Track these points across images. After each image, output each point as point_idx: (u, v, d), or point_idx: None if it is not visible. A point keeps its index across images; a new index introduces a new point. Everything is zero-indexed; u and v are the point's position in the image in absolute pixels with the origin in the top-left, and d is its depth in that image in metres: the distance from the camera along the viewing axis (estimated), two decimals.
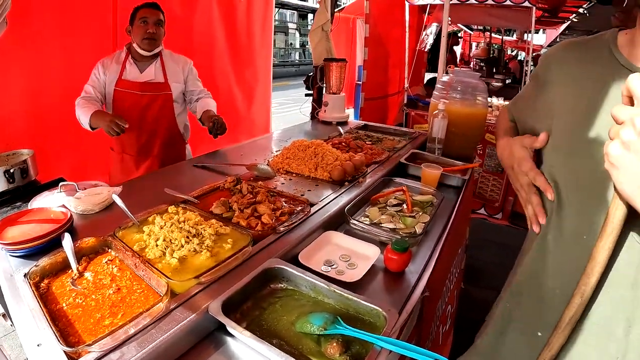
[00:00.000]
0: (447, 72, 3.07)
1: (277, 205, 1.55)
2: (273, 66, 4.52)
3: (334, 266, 1.29)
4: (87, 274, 1.17)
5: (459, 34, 11.92)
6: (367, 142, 2.56)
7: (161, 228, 1.32)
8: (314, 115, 3.44)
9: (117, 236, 1.29)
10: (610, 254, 0.72)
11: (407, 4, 5.77)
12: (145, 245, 1.27)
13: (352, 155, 2.02)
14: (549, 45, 14.64)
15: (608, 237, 0.70)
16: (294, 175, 1.96)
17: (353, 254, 1.36)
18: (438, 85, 2.64)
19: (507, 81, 8.14)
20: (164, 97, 2.58)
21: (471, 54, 12.88)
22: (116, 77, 2.48)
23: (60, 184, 1.67)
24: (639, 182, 0.61)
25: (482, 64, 10.00)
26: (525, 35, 10.12)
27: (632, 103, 0.63)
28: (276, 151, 2.34)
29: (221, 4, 3.59)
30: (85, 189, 1.66)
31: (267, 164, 2.00)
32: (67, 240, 1.23)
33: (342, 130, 2.78)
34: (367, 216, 1.63)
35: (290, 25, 30.15)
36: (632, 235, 0.75)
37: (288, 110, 11.75)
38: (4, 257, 1.24)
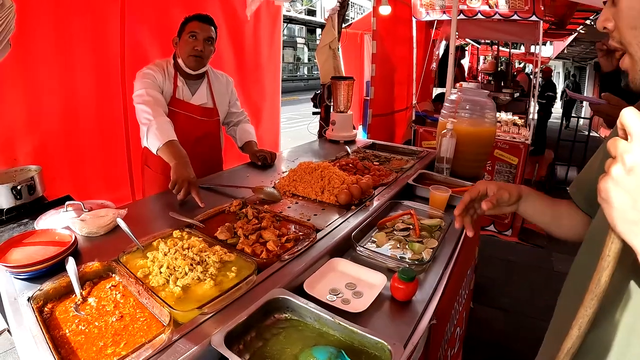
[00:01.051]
0: (454, 88, 3.05)
1: (283, 231, 1.53)
2: (282, 81, 4.52)
3: (339, 295, 1.27)
4: (91, 300, 1.16)
5: (466, 48, 11.94)
6: (374, 163, 2.54)
7: (165, 255, 1.31)
8: (321, 134, 3.44)
9: (121, 262, 1.29)
10: (606, 287, 0.69)
11: (414, 19, 5.78)
12: (149, 272, 1.25)
13: (359, 177, 2.00)
14: (556, 57, 14.63)
15: (603, 270, 0.69)
16: (300, 198, 1.94)
17: (359, 282, 1.34)
18: (446, 104, 2.63)
19: (516, 95, 8.11)
20: (214, 124, 2.54)
21: (479, 68, 12.87)
22: (170, 93, 2.32)
23: (67, 203, 1.66)
24: (627, 217, 0.60)
25: (490, 78, 9.98)
26: (533, 47, 10.12)
27: (627, 137, 0.61)
28: (283, 172, 2.33)
29: (228, 22, 3.59)
30: (91, 208, 1.66)
31: (274, 187, 1.99)
32: (71, 265, 1.22)
33: (349, 150, 2.77)
34: (374, 241, 1.61)
35: (299, 40, 30.34)
36: (634, 269, 0.73)
37: (297, 125, 11.78)
38: (9, 279, 1.24)
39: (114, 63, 2.81)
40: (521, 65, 18.29)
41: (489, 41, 11.31)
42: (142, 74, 2.24)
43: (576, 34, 8.32)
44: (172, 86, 2.32)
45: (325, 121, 3.46)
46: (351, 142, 3.16)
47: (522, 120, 5.56)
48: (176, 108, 2.32)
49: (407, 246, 1.55)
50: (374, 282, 1.33)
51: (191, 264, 1.26)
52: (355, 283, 1.33)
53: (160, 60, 2.37)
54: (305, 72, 29.50)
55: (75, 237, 1.39)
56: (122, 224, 1.42)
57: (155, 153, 2.03)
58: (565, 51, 12.62)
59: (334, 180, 1.93)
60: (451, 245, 1.67)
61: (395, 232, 1.66)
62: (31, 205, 1.94)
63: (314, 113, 3.59)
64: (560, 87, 17.50)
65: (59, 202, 1.94)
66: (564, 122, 15.05)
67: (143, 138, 2.10)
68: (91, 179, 2.82)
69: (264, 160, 2.49)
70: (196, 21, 2.28)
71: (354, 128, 3.27)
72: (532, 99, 5.51)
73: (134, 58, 2.85)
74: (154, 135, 2.00)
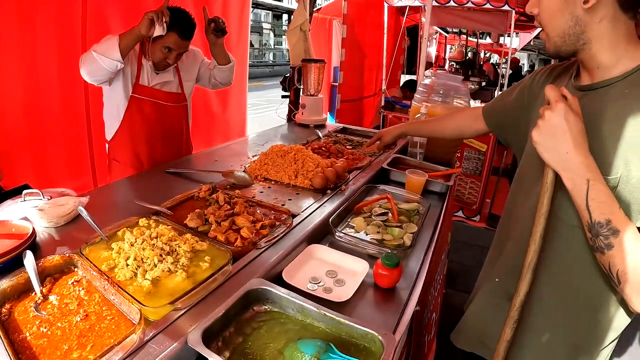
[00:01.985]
0: (429, 71, 3.02)
1: (257, 217, 1.45)
2: (248, 66, 4.39)
3: (320, 283, 1.20)
4: (52, 297, 1.06)
5: (434, 36, 12.00)
6: (347, 147, 2.48)
7: (131, 245, 1.21)
8: (290, 118, 3.35)
9: (83, 254, 1.18)
10: (549, 208, 0.96)
11: (385, 5, 5.72)
12: (114, 265, 1.16)
13: (334, 161, 1.94)
14: (521, 49, 14.85)
15: (545, 194, 0.96)
16: (272, 182, 1.86)
17: (340, 270, 1.28)
18: (420, 88, 2.58)
19: (482, 83, 8.20)
20: (181, 110, 2.41)
21: (447, 57, 12.97)
22: (132, 79, 2.17)
23: (24, 192, 1.52)
24: (551, 152, 0.91)
25: (457, 67, 10.06)
26: (501, 38, 10.25)
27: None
28: (253, 156, 2.23)
29: (196, 3, 3.44)
30: (51, 197, 1.53)
31: (244, 171, 1.90)
32: (29, 259, 1.11)
33: (320, 134, 2.70)
34: (353, 227, 1.55)
35: (265, 25, 29.89)
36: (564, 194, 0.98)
37: (262, 111, 11.58)
38: None
39: (77, 47, 2.63)
40: (487, 56, 18.57)
41: (456, 30, 11.38)
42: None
43: None
44: (135, 68, 2.17)
45: (294, 105, 3.37)
46: (321, 126, 3.09)
47: None
48: (140, 94, 2.20)
49: (386, 231, 1.50)
50: (356, 269, 1.27)
51: (160, 255, 1.17)
52: (336, 270, 1.27)
53: None
54: (271, 58, 29.13)
55: (34, 228, 1.28)
56: (84, 213, 1.32)
57: (121, 54, 1.93)
58: (531, 43, 12.81)
59: (308, 164, 1.86)
60: (429, 230, 1.63)
61: (373, 217, 1.60)
62: None
63: (283, 96, 3.49)
64: None
65: (16, 192, 1.80)
66: None
67: (97, 72, 2.01)
68: (52, 167, 2.66)
69: (217, 21, 2.27)
70: (176, 35, 2.08)
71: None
72: (499, 88, 5.56)
73: (96, 37, 2.65)
74: (102, 53, 1.93)
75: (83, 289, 1.10)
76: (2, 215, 1.44)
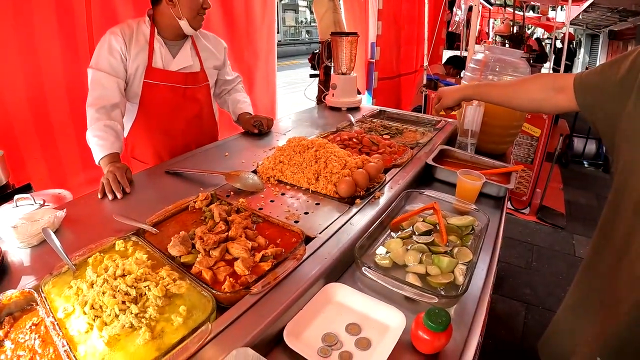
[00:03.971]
0: (481, 45, 2.62)
1: (259, 241, 1.10)
2: (283, 45, 4.03)
3: (336, 346, 0.87)
4: (7, 344, 0.84)
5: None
6: (383, 136, 2.10)
7: (92, 286, 0.92)
8: (320, 100, 2.99)
9: (42, 290, 0.93)
10: None
11: None
12: (73, 310, 0.89)
13: (366, 158, 1.56)
14: (571, 23, 13.94)
15: None
16: (287, 187, 1.49)
17: (366, 323, 0.93)
18: (470, 65, 2.18)
19: (530, 60, 7.59)
20: (204, 91, 2.09)
21: (494, 30, 12.31)
22: (144, 63, 1.86)
23: (16, 197, 1.30)
24: None
25: (504, 41, 9.43)
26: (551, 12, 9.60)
27: None
28: (270, 150, 1.89)
29: None
30: (44, 201, 1.32)
31: (255, 171, 1.57)
32: None
33: (353, 120, 2.33)
34: (388, 253, 1.18)
35: (301, 2, 29.39)
36: None
37: (299, 90, 11.27)
38: None
39: (83, 34, 2.32)
40: (529, 31, 17.73)
41: (500, 2, 10.69)
42: (100, 45, 1.81)
43: None
44: (145, 53, 1.85)
45: (324, 85, 3.00)
46: (355, 109, 2.73)
47: None
48: (154, 79, 1.88)
49: (432, 260, 1.13)
50: (388, 323, 0.93)
51: (123, 302, 0.87)
52: (360, 324, 0.93)
53: (132, 21, 1.89)
54: (307, 36, 28.67)
55: (2, 253, 1.07)
56: (50, 236, 1.07)
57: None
58: (580, 17, 11.95)
59: (332, 163, 1.48)
60: (487, 253, 1.26)
61: (414, 237, 1.24)
62: None
63: (311, 75, 3.13)
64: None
65: (20, 191, 1.64)
66: None
67: None
68: (64, 159, 2.41)
69: (260, 127, 2.16)
70: None
71: (359, 93, 2.82)
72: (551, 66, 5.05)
73: (103, 22, 2.34)
74: (92, 145, 1.72)
75: (40, 337, 0.86)
76: None
